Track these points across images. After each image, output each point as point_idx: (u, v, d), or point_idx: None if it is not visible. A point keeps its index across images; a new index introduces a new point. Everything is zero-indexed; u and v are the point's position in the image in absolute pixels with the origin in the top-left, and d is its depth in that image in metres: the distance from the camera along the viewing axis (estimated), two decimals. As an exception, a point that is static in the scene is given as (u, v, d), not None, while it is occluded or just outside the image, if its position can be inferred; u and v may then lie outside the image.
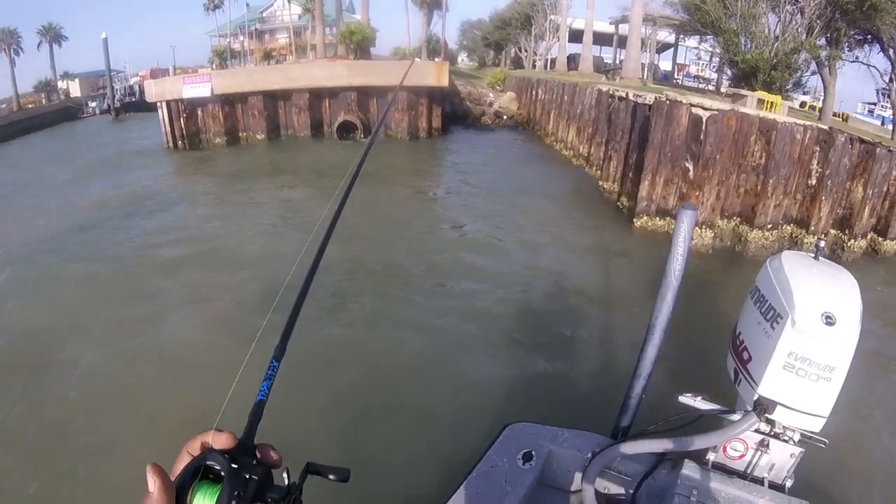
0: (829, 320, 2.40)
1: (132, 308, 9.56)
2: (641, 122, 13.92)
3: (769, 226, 12.58)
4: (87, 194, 18.44)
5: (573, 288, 10.58)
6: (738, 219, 12.79)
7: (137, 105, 36.90)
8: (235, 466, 0.81)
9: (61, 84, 65.11)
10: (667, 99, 12.44)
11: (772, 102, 15.70)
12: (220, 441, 0.85)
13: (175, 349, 8.19)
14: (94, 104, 57.68)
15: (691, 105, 12.22)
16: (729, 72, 23.74)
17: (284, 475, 0.88)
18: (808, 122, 12.76)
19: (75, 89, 63.84)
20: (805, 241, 12.39)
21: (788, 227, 12.81)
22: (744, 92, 17.34)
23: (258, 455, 0.88)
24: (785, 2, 19.19)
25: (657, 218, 12.76)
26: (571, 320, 9.29)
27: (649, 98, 13.85)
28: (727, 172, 12.30)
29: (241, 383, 1.22)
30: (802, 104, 28.88)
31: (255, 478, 0.82)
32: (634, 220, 13.00)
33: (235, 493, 0.78)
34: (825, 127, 12.85)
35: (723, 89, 28.93)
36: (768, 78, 19.34)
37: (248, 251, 12.28)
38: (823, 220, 12.55)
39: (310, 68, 28.33)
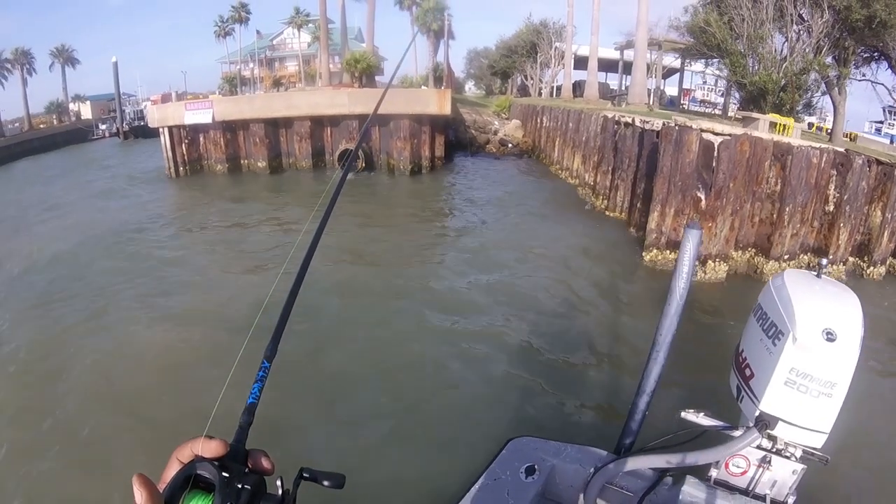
0: (830, 336, 2.41)
1: (118, 316, 9.88)
2: (649, 149, 13.30)
3: (786, 256, 11.90)
4: (75, 218, 18.77)
5: (579, 313, 10.45)
6: (754, 250, 12.11)
7: (146, 130, 37.01)
8: (227, 476, 0.77)
9: (72, 106, 66.29)
10: (676, 124, 11.81)
11: (784, 125, 15.11)
12: (211, 449, 0.80)
13: (164, 355, 8.29)
14: (104, 126, 58.64)
15: (702, 130, 11.59)
16: (737, 95, 23.28)
17: (278, 482, 0.83)
18: (823, 145, 12.16)
19: (86, 111, 65.00)
20: (824, 272, 11.62)
21: (805, 257, 12.15)
22: (755, 115, 16.70)
23: (250, 463, 0.84)
24: (792, 22, 18.74)
25: (668, 251, 12.01)
26: (576, 341, 9.28)
27: (657, 124, 13.25)
28: (741, 201, 11.61)
29: (232, 388, 1.16)
30: (809, 125, 28.27)
31: (248, 487, 0.78)
32: (644, 253, 12.27)
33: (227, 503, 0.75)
34: (841, 149, 12.20)
35: (731, 113, 28.50)
36: (778, 100, 18.81)
37: (238, 271, 12.47)
38: (842, 247, 11.96)
39: (311, 96, 28.05)
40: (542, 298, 11.08)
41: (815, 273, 2.87)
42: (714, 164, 11.40)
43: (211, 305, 10.22)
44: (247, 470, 0.83)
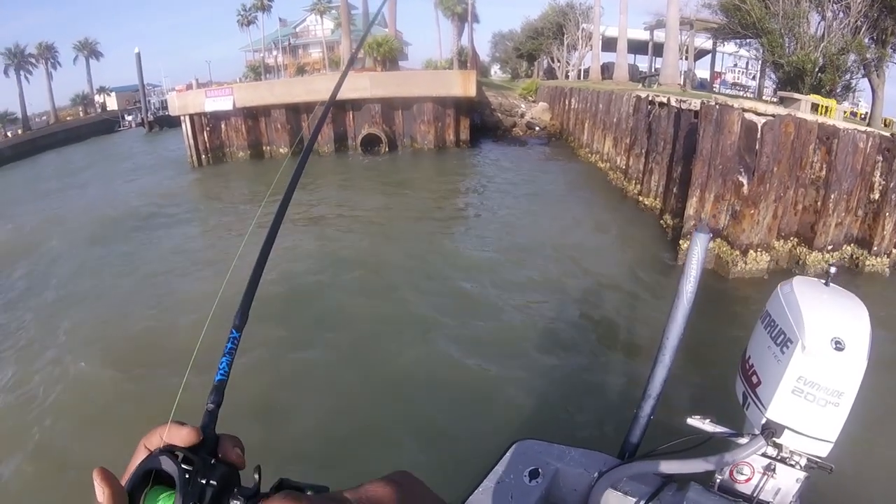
0: (839, 346, 2.40)
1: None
2: (686, 130, 12.51)
3: (830, 247, 11.09)
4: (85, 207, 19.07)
5: (599, 309, 10.14)
6: (796, 239, 11.29)
7: (170, 119, 37.19)
8: (189, 469, 0.67)
9: (98, 98, 66.97)
10: (716, 103, 11.02)
11: (826, 107, 14.22)
12: (181, 436, 0.71)
13: (130, 337, 8.22)
14: (130, 118, 59.43)
15: (744, 110, 10.79)
16: (772, 76, 22.22)
17: (256, 476, 0.72)
18: (868, 129, 11.27)
19: (112, 103, 65.79)
20: (867, 262, 11.00)
21: (849, 248, 11.35)
22: (796, 95, 15.79)
23: (219, 451, 0.74)
24: (830, 1, 17.72)
25: (707, 239, 11.24)
26: (589, 340, 9.11)
27: (694, 104, 12.43)
28: (785, 187, 10.76)
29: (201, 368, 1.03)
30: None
31: (214, 483, 0.68)
32: (681, 241, 11.48)
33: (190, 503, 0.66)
34: (887, 134, 11.31)
35: (765, 97, 27.39)
36: (816, 81, 17.82)
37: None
38: (887, 238, 11.06)
39: (331, 80, 27.57)
40: (560, 292, 10.79)
41: (824, 281, 2.79)
42: (757, 147, 10.59)
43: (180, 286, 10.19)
44: (213, 461, 0.71)
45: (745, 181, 10.70)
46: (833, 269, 2.85)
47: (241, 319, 0.98)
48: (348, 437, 6.42)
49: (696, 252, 2.89)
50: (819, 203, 11.01)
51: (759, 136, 10.55)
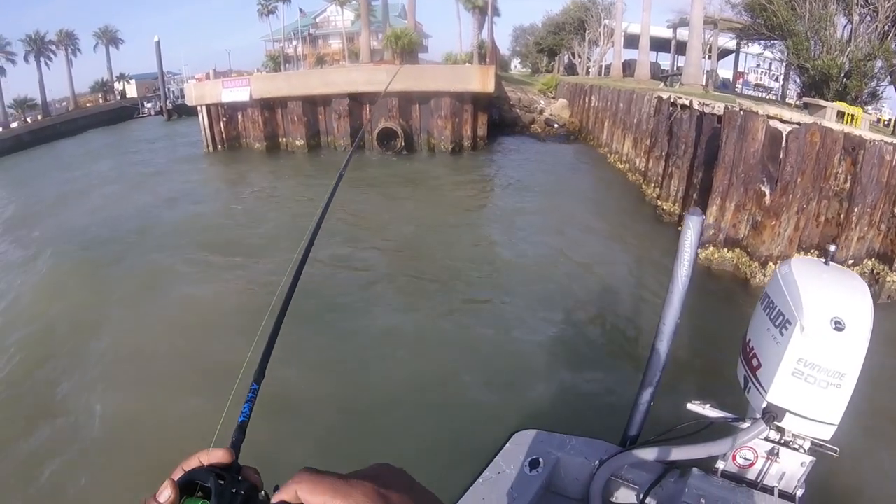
0: (839, 325, 2.34)
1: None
2: (709, 135, 12.18)
3: (851, 261, 10.72)
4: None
5: (605, 307, 10.11)
6: (817, 252, 10.91)
7: (189, 108, 37.48)
8: (222, 482, 0.82)
9: (118, 85, 67.71)
10: (740, 109, 10.69)
11: (852, 115, 13.82)
12: (217, 456, 0.86)
13: (166, 371, 7.81)
14: (149, 105, 60.17)
15: (768, 117, 10.47)
16: (797, 80, 21.76)
17: (270, 494, 0.85)
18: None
19: (132, 90, 66.52)
20: (888, 278, 10.57)
21: (870, 262, 10.96)
22: (822, 102, 15.39)
23: (241, 477, 0.86)
24: (856, 3, 17.22)
25: (725, 249, 10.94)
26: (586, 332, 9.12)
27: (718, 107, 12.11)
28: (808, 198, 10.41)
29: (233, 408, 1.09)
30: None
31: (242, 493, 0.83)
32: (699, 250, 11.17)
33: None
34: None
35: (789, 99, 26.86)
36: (842, 87, 17.37)
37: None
38: (910, 255, 10.69)
39: (348, 73, 27.38)
40: (568, 289, 10.74)
41: (824, 260, 2.74)
42: (781, 156, 10.27)
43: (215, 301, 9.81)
44: (240, 478, 0.85)
45: (767, 191, 10.40)
46: (833, 248, 2.83)
47: (260, 374, 1.11)
48: (348, 427, 6.42)
49: (689, 235, 2.87)
50: (842, 216, 10.66)
51: (783, 144, 10.24)
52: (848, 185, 10.58)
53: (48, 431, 6.74)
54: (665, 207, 14.47)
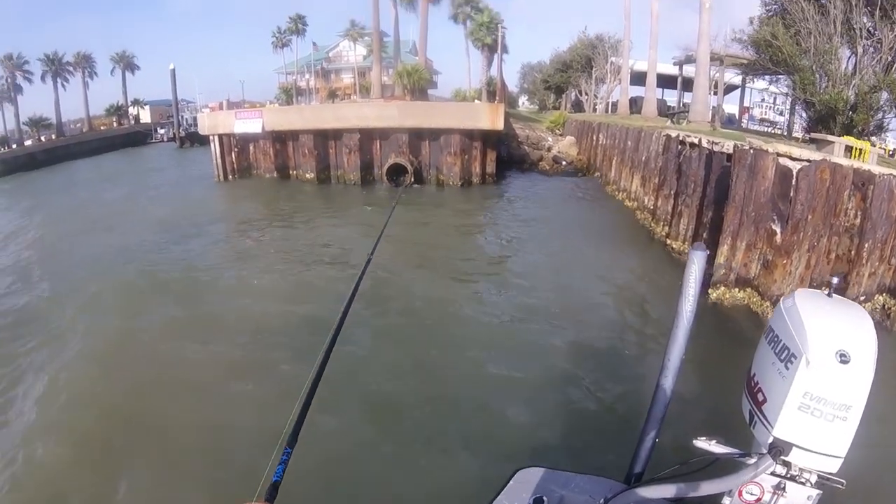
0: (844, 358, 2.34)
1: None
2: (718, 173, 12.23)
3: (863, 297, 10.64)
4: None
5: (611, 346, 9.90)
6: (828, 290, 10.87)
7: (202, 136, 38.04)
8: None
9: (132, 110, 68.91)
10: (750, 147, 10.76)
11: (860, 150, 13.85)
12: None
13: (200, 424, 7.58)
14: (162, 131, 61.14)
15: (778, 154, 10.53)
16: (803, 114, 21.88)
17: None
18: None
19: (146, 116, 67.67)
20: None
21: (881, 298, 10.86)
22: (830, 138, 15.44)
23: None
24: (860, 35, 17.42)
25: (736, 289, 10.90)
26: (591, 369, 9.00)
27: (727, 146, 12.18)
28: (818, 235, 10.38)
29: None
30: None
31: None
32: (710, 290, 11.11)
33: None
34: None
35: (795, 133, 26.95)
36: (848, 120, 17.46)
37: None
38: (921, 289, 10.63)
39: (360, 108, 27.81)
40: (573, 325, 10.65)
41: (827, 293, 2.77)
42: (792, 194, 10.30)
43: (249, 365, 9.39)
44: None
45: (778, 229, 10.40)
46: (835, 280, 2.88)
47: (293, 439, 1.23)
48: (350, 463, 6.35)
49: (694, 271, 2.89)
50: (853, 252, 10.63)
51: (794, 182, 10.27)
52: (858, 220, 10.56)
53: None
54: (674, 246, 14.44)
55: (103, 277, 13.32)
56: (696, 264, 2.89)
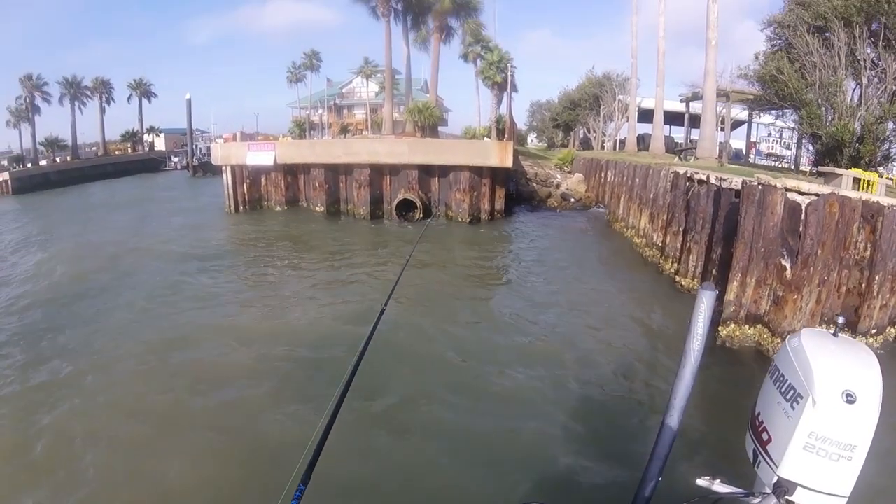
0: (850, 398, 2.33)
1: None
2: (727, 209, 12.25)
3: (874, 330, 10.57)
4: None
5: (617, 383, 9.92)
6: (833, 329, 10.73)
7: (214, 166, 38.63)
8: None
9: (147, 137, 69.87)
10: (759, 183, 10.81)
11: (868, 181, 13.88)
12: None
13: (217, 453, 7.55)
14: (176, 159, 62.02)
15: (787, 189, 10.56)
16: (809, 147, 21.98)
17: None
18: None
19: (160, 143, 68.67)
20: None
21: (893, 330, 10.85)
22: (838, 170, 15.49)
23: None
24: (864, 67, 17.59)
25: (746, 326, 10.81)
26: (595, 405, 8.98)
27: (735, 182, 12.23)
28: (828, 269, 10.30)
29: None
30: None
31: None
32: (720, 328, 10.98)
33: None
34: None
35: (802, 167, 27.01)
36: (855, 152, 17.52)
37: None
38: (932, 319, 10.53)
39: (371, 143, 28.16)
40: (578, 361, 10.59)
41: (832, 332, 2.75)
42: (801, 229, 10.31)
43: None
44: None
45: (788, 265, 10.36)
46: (841, 320, 2.84)
47: (307, 477, 1.28)
48: (349, 491, 6.27)
49: (703, 310, 2.83)
50: (863, 285, 10.57)
51: (803, 217, 10.28)
52: (868, 253, 10.54)
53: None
54: (683, 283, 14.39)
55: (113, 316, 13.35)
56: (704, 303, 2.84)
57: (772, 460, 2.58)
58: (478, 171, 25.47)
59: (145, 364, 10.35)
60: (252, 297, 14.79)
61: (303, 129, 60.07)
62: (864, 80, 18.02)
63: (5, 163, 52.73)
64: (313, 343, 11.19)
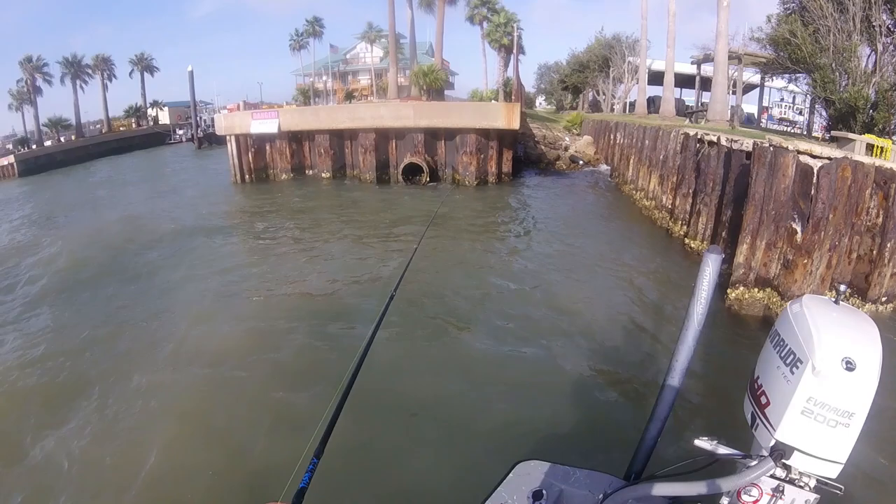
0: (850, 366, 2.36)
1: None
2: (737, 171, 12.05)
3: (884, 298, 10.44)
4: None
5: (621, 342, 9.90)
6: (849, 290, 10.62)
7: (219, 137, 38.33)
8: None
9: (151, 111, 69.79)
10: (770, 144, 10.58)
11: (882, 147, 13.60)
12: None
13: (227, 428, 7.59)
14: (181, 132, 61.82)
15: (799, 152, 10.34)
16: (823, 112, 21.56)
17: None
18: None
19: (164, 117, 68.49)
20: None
21: (904, 298, 10.66)
22: (851, 135, 15.18)
23: None
24: (880, 33, 17.13)
25: (756, 289, 10.70)
26: (594, 364, 8.99)
27: (746, 143, 12.00)
28: (840, 235, 10.15)
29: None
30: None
31: None
32: (729, 290, 10.93)
33: None
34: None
35: (815, 132, 26.58)
36: (868, 119, 17.17)
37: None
38: (943, 289, 10.36)
39: (376, 108, 27.81)
40: (582, 322, 10.59)
41: (834, 300, 2.75)
42: (813, 192, 10.12)
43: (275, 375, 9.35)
44: None
45: (798, 228, 10.20)
46: (843, 288, 2.89)
47: (321, 450, 1.31)
48: (347, 453, 6.24)
49: (707, 273, 2.88)
50: (874, 252, 10.42)
51: (815, 180, 10.08)
52: (880, 219, 10.38)
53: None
54: (693, 246, 14.25)
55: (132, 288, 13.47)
56: (710, 266, 2.88)
57: (770, 424, 2.60)
58: (484, 133, 25.19)
59: (169, 336, 10.54)
60: (264, 270, 14.74)
61: (307, 96, 59.40)
62: (880, 47, 17.56)
63: (10, 146, 52.56)
64: (329, 316, 11.17)
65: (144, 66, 68.20)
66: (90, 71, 63.03)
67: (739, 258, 10.77)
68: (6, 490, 6.40)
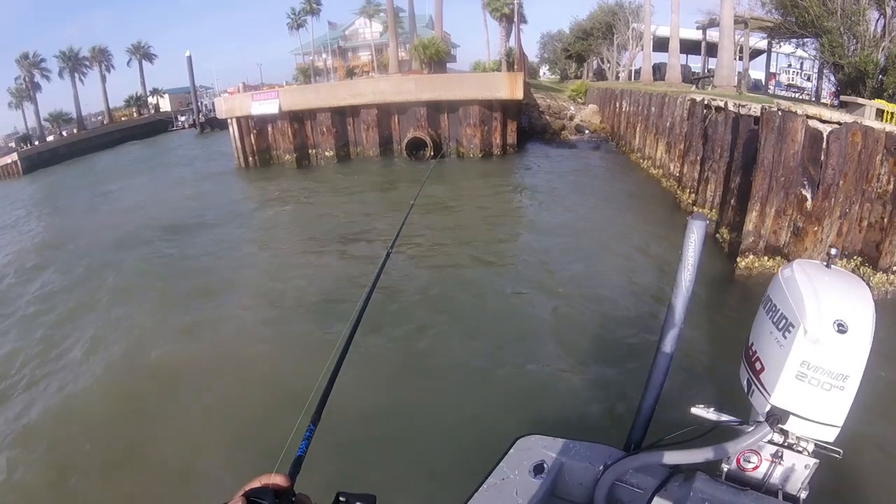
0: (842, 328, 2.36)
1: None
2: (746, 137, 11.81)
3: (895, 267, 10.28)
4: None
5: (612, 314, 9.81)
6: (859, 258, 10.41)
7: (221, 121, 38.07)
8: (278, 501, 0.98)
9: (151, 99, 69.58)
10: (778, 109, 10.35)
11: (892, 113, 13.32)
12: (277, 480, 1.02)
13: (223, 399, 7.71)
14: (183, 118, 61.64)
15: (808, 117, 10.11)
16: (832, 77, 21.15)
17: None
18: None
19: (165, 104, 68.23)
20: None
21: (916, 267, 10.49)
22: (860, 101, 14.87)
23: (296, 500, 1.05)
24: None
25: (765, 257, 10.55)
26: (593, 337, 9.05)
27: (754, 108, 11.76)
28: (850, 202, 9.94)
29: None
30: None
31: None
32: (738, 259, 10.76)
33: None
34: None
35: (823, 99, 26.16)
36: (878, 84, 16.81)
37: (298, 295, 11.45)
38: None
39: (377, 83, 27.54)
40: (584, 293, 10.59)
41: (825, 263, 2.76)
42: (823, 158, 9.91)
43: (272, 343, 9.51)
44: (294, 500, 1.03)
45: (808, 195, 10.01)
46: (834, 251, 2.88)
47: (317, 417, 1.26)
48: (349, 432, 6.23)
49: (693, 240, 2.92)
50: (885, 220, 10.20)
51: (824, 145, 9.87)
52: (891, 186, 10.14)
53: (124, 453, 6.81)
54: (702, 213, 14.03)
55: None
56: (695, 233, 2.92)
57: (765, 389, 2.62)
58: (488, 104, 24.93)
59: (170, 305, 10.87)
60: (263, 246, 14.87)
61: (307, 75, 58.76)
62: (889, 11, 17.15)
63: (13, 144, 52.36)
64: (324, 285, 11.31)
65: (142, 54, 67.73)
66: (88, 63, 62.76)
67: (749, 226, 10.60)
68: None
